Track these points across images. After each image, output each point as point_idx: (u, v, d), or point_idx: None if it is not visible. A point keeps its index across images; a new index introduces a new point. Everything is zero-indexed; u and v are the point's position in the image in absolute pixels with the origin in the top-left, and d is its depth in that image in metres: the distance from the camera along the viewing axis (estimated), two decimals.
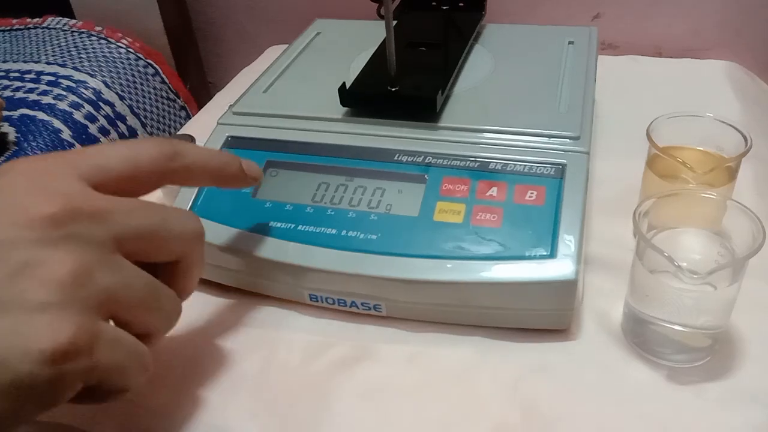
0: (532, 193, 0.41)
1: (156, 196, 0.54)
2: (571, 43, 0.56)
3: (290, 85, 0.53)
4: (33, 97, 0.72)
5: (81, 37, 0.85)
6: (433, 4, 0.61)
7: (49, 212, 0.27)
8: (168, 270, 0.33)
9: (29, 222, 0.26)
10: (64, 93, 0.73)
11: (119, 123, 0.76)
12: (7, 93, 0.73)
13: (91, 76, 0.77)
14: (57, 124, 0.69)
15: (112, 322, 0.29)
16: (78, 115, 0.71)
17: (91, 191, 0.29)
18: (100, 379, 0.27)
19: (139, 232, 0.30)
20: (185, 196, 0.44)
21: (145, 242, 0.30)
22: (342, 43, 0.58)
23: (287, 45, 0.59)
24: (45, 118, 0.69)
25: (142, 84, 0.82)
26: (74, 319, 0.26)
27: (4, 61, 0.80)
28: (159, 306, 0.31)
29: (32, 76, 0.76)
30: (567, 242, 0.38)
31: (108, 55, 0.82)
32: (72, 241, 0.27)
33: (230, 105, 0.50)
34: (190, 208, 0.43)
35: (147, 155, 0.32)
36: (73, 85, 0.74)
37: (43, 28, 0.88)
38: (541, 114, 0.46)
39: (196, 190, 0.44)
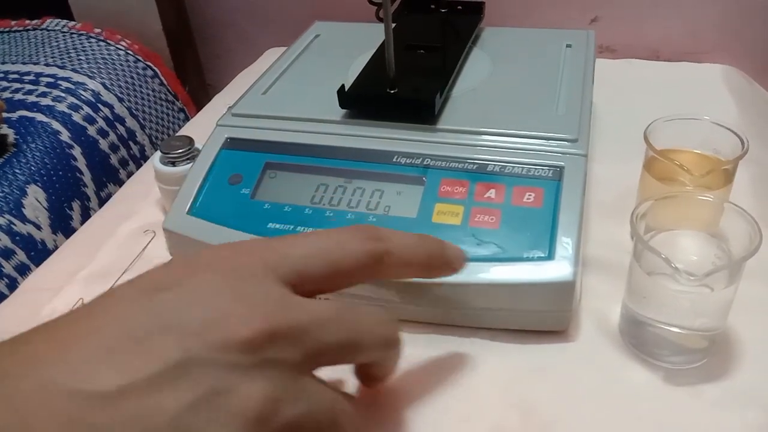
0: (530, 195, 0.41)
1: (154, 197, 0.54)
2: (568, 46, 0.56)
3: (289, 87, 0.53)
4: (32, 98, 0.72)
5: (80, 39, 0.85)
6: (432, 7, 0.61)
7: (247, 336, 0.24)
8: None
9: (226, 343, 0.24)
10: (63, 95, 0.73)
11: (118, 125, 0.76)
12: (6, 94, 0.73)
13: (90, 77, 0.77)
14: (56, 125, 0.69)
15: None
16: (77, 117, 0.71)
17: (289, 298, 0.27)
18: None
19: (332, 348, 0.27)
20: (184, 195, 0.44)
21: (335, 355, 0.28)
22: (341, 46, 0.59)
23: (286, 47, 0.60)
24: (44, 120, 0.69)
25: (141, 86, 0.82)
26: None
27: (3, 63, 0.80)
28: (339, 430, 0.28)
29: (31, 77, 0.76)
30: (565, 244, 0.38)
31: (107, 57, 0.82)
32: (267, 367, 0.25)
33: (229, 107, 0.50)
34: (189, 207, 0.43)
35: (352, 257, 0.29)
36: (72, 86, 0.75)
37: (42, 29, 0.88)
38: (539, 116, 0.46)
39: (196, 188, 0.44)
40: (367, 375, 0.33)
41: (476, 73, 0.53)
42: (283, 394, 0.25)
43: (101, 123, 0.74)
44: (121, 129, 0.76)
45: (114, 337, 0.23)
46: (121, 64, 0.82)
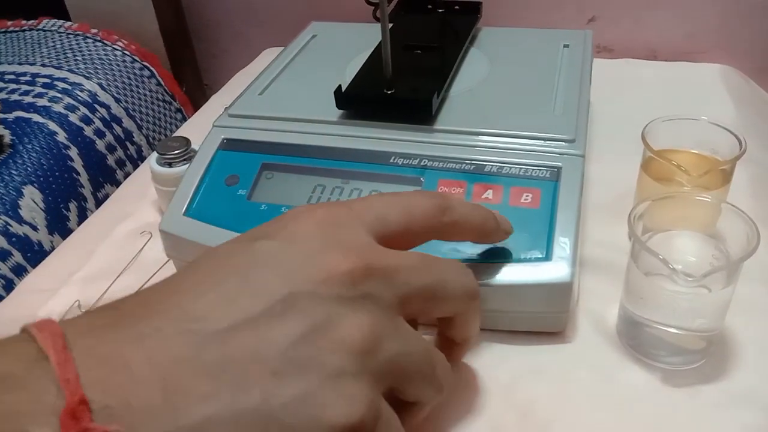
0: (527, 196, 0.41)
1: (151, 198, 0.54)
2: (566, 46, 0.56)
3: (286, 87, 0.53)
4: (28, 99, 0.72)
5: (77, 40, 0.84)
6: (429, 6, 0.61)
7: (347, 268, 0.26)
8: (444, 323, 0.33)
9: (327, 277, 0.25)
10: (60, 95, 0.73)
11: (115, 125, 0.76)
12: (3, 95, 0.73)
13: (87, 78, 0.77)
14: (52, 126, 0.69)
15: None
16: (73, 118, 0.71)
17: (377, 245, 0.29)
18: None
19: (421, 292, 0.29)
20: (181, 197, 0.44)
21: (424, 301, 0.29)
22: (338, 46, 0.59)
23: (283, 47, 0.59)
24: (40, 121, 0.69)
25: (137, 86, 0.82)
26: (365, 393, 0.24)
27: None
28: (433, 376, 0.29)
29: (27, 78, 0.76)
30: (562, 245, 0.38)
31: (104, 57, 0.82)
32: (366, 301, 0.26)
33: (226, 107, 0.50)
34: (186, 209, 0.43)
35: (421, 208, 0.31)
36: (69, 87, 0.74)
37: (38, 30, 0.88)
38: (536, 117, 0.46)
39: (192, 189, 0.44)
40: (448, 342, 0.33)
41: (474, 73, 0.53)
42: (384, 329, 0.26)
43: (98, 123, 0.74)
44: (117, 129, 0.76)
45: (220, 281, 0.25)
46: (118, 65, 0.82)
